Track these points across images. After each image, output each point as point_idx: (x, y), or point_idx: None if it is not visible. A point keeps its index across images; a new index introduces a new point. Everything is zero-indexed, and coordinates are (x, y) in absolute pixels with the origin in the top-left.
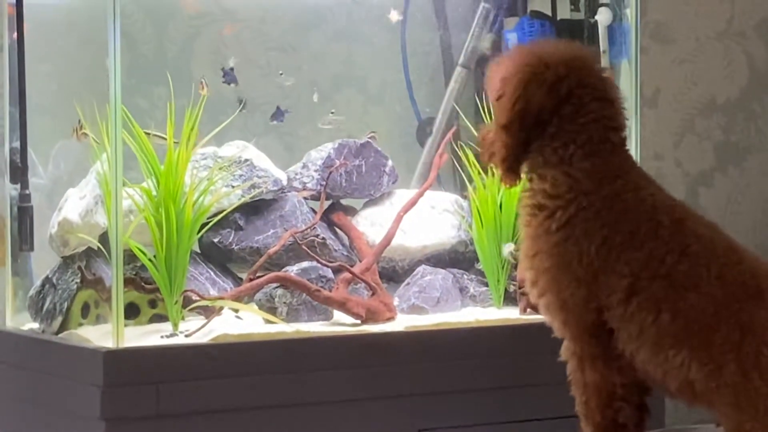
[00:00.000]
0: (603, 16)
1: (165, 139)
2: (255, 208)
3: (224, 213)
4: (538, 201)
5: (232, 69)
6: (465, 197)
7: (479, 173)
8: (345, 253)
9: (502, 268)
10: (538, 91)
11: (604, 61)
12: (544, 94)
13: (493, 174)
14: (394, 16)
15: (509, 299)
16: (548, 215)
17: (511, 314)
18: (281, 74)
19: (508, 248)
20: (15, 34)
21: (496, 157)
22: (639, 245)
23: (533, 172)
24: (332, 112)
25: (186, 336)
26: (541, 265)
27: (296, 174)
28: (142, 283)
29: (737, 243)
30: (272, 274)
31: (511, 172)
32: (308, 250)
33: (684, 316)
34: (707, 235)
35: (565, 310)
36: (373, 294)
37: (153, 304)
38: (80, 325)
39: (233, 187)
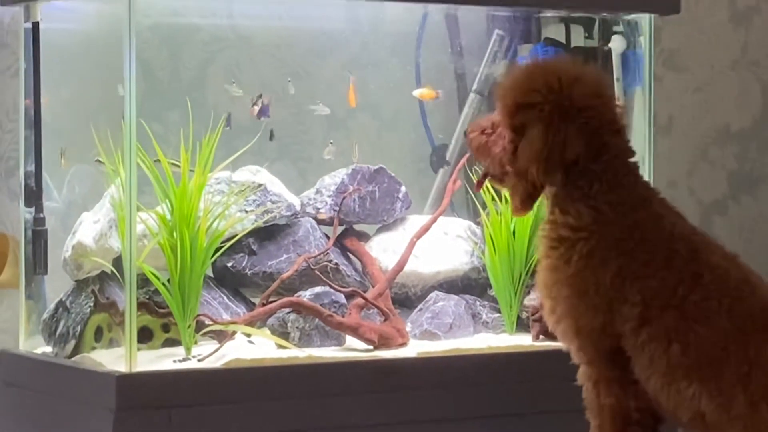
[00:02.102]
0: (617, 44)
1: (178, 166)
2: (268, 233)
3: (237, 237)
4: (559, 234)
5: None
6: (478, 223)
7: (493, 199)
8: (358, 278)
9: (515, 294)
10: (573, 137)
11: (618, 89)
12: (576, 138)
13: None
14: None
15: (522, 326)
16: (570, 246)
17: (524, 341)
18: (289, 81)
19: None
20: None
21: (516, 191)
22: (652, 274)
23: (555, 206)
24: (331, 142)
25: (199, 360)
26: (560, 294)
27: (310, 199)
28: (156, 307)
29: (754, 275)
30: (285, 299)
31: (529, 207)
32: (321, 276)
33: (694, 347)
34: (722, 265)
35: (581, 336)
36: (385, 319)
37: (166, 328)
38: (93, 348)
39: (247, 212)
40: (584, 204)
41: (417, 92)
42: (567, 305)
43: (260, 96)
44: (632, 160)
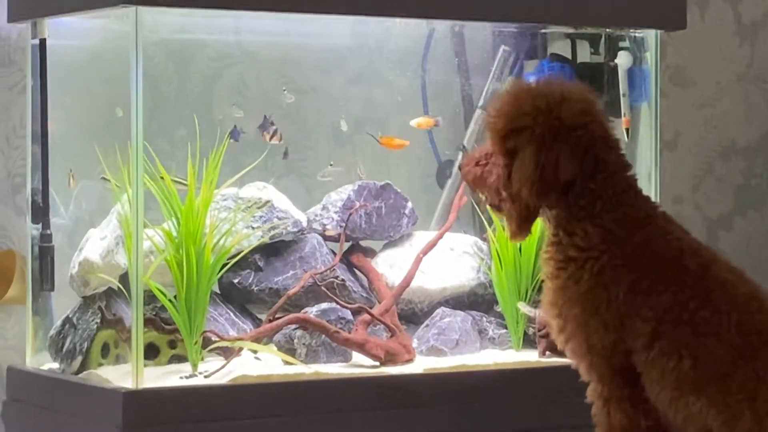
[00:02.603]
0: (623, 60)
1: (185, 185)
2: (275, 249)
3: (243, 254)
4: (567, 254)
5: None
6: (484, 239)
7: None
8: (364, 294)
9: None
10: (566, 156)
11: (624, 105)
12: (568, 157)
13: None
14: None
15: (528, 342)
16: (579, 266)
17: (530, 357)
18: (284, 90)
19: (523, 308)
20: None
21: (511, 216)
22: (664, 289)
23: (559, 228)
24: (331, 164)
25: (205, 377)
26: (570, 312)
27: (316, 215)
28: (162, 324)
29: (761, 290)
30: (291, 316)
31: (526, 231)
32: (327, 292)
33: (704, 362)
34: (731, 281)
35: (592, 354)
36: (392, 336)
37: (172, 344)
38: (100, 365)
39: (253, 228)
40: (590, 223)
41: (414, 122)
42: (578, 323)
43: (272, 124)
44: (630, 173)
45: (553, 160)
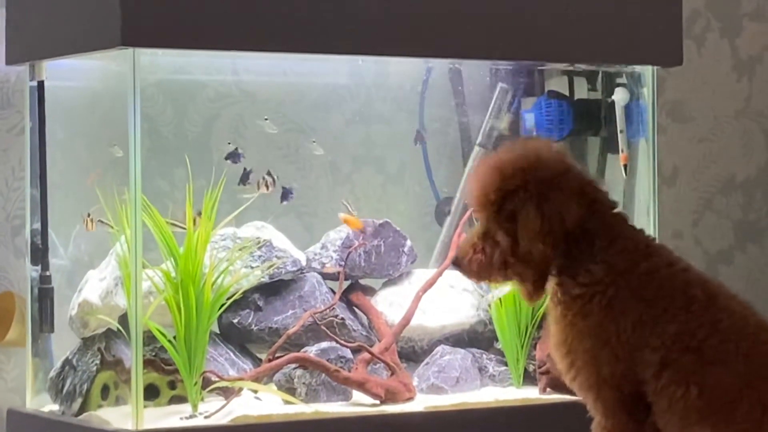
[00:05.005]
0: (620, 96)
1: (184, 228)
2: (274, 289)
3: (240, 292)
4: (573, 293)
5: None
6: None
7: None
8: (364, 333)
9: (522, 348)
10: (566, 203)
11: (622, 141)
12: (569, 203)
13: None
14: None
15: (529, 379)
16: (587, 301)
17: (531, 394)
18: (266, 119)
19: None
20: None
21: (525, 279)
22: (672, 319)
23: (561, 274)
24: (314, 141)
25: (206, 417)
26: (580, 346)
27: (315, 254)
28: (162, 365)
29: (765, 320)
30: (291, 355)
31: (542, 290)
32: (327, 331)
33: (710, 391)
34: (739, 311)
35: (601, 385)
36: (392, 374)
37: (172, 385)
38: (100, 406)
39: (252, 267)
40: (591, 262)
41: (342, 216)
42: (588, 356)
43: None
44: (617, 210)
45: (555, 209)
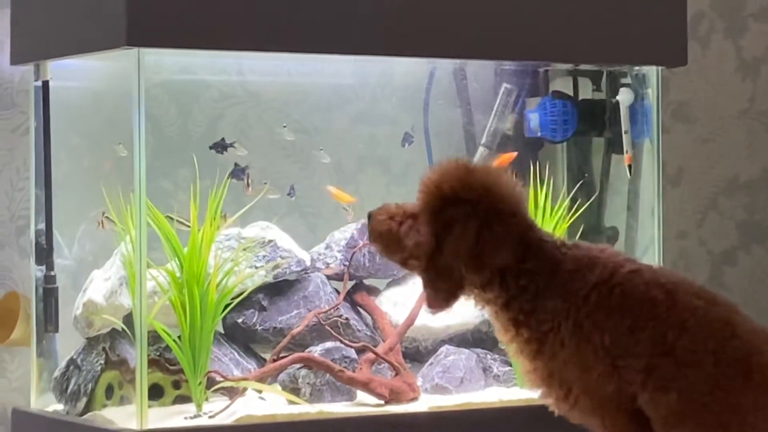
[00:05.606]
0: (624, 96)
1: (188, 226)
2: (278, 289)
3: (246, 293)
4: (539, 329)
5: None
6: None
7: None
8: (368, 333)
9: None
10: (504, 242)
11: (627, 142)
12: (506, 243)
13: None
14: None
15: None
16: (556, 331)
17: (535, 394)
18: (284, 126)
19: None
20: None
21: (437, 288)
22: (643, 325)
23: (519, 314)
24: (321, 149)
25: (210, 417)
26: (570, 375)
27: (319, 254)
28: (166, 364)
29: (734, 311)
30: (296, 355)
31: (452, 303)
32: (331, 331)
33: (686, 394)
34: (701, 306)
35: (603, 406)
36: (396, 374)
37: (177, 385)
38: (104, 406)
39: (257, 267)
40: (542, 296)
41: (330, 189)
42: (581, 382)
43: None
44: (548, 237)
45: (494, 239)
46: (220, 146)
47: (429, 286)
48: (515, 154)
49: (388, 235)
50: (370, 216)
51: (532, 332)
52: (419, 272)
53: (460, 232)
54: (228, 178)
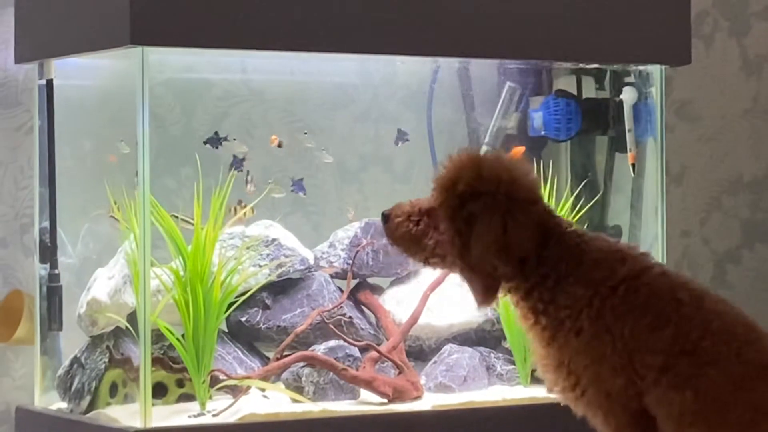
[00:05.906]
0: (628, 95)
1: (192, 224)
2: (282, 288)
3: (251, 292)
4: (557, 316)
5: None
6: None
7: None
8: (372, 331)
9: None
10: (527, 230)
11: (630, 140)
12: (528, 232)
13: None
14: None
15: (536, 378)
16: (575, 319)
17: (539, 393)
18: (306, 134)
19: None
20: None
21: (475, 288)
22: (666, 322)
23: (538, 302)
24: (323, 149)
25: (213, 415)
26: (579, 365)
27: (323, 253)
28: (170, 363)
29: (754, 321)
30: (299, 353)
31: (493, 298)
32: (335, 329)
33: (704, 393)
34: (727, 311)
35: (610, 400)
36: (399, 373)
37: (180, 383)
38: (108, 404)
39: (260, 266)
40: (565, 282)
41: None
42: (590, 373)
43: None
44: (572, 228)
45: (519, 228)
46: (214, 141)
47: (470, 286)
48: (523, 148)
49: (408, 237)
50: (386, 217)
51: (550, 319)
52: (456, 272)
53: (486, 226)
54: (230, 171)
